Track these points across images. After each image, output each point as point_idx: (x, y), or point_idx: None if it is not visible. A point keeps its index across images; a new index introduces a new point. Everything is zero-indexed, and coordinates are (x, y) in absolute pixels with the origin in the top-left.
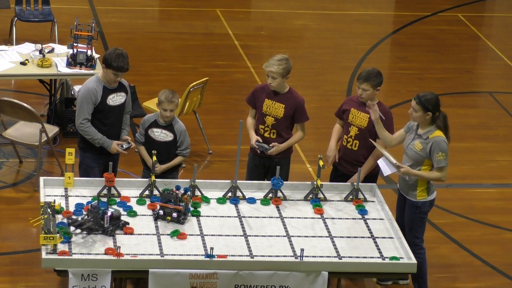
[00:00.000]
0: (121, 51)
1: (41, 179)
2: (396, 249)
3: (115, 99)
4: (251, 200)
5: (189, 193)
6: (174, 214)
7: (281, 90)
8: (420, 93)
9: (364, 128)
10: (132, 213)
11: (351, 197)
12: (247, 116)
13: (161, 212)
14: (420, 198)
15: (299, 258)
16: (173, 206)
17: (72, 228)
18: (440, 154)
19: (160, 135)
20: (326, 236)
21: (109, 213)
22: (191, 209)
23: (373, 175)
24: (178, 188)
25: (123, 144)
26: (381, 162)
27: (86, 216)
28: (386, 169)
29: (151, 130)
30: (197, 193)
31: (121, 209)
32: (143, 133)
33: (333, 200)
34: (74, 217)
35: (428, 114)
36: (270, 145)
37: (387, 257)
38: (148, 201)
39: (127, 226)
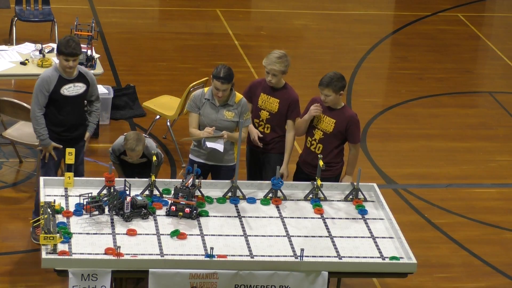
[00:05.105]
0: (71, 37)
1: (41, 179)
2: (396, 249)
3: (72, 90)
4: (251, 200)
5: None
6: (187, 210)
7: (277, 85)
8: (221, 74)
9: (329, 133)
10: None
11: (351, 197)
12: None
13: (173, 208)
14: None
15: (299, 258)
16: (185, 201)
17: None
18: (248, 113)
19: (135, 161)
20: (326, 236)
21: (128, 199)
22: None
23: (336, 176)
24: (198, 171)
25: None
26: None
27: (104, 198)
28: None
29: (124, 156)
30: (197, 193)
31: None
32: (116, 158)
33: (333, 200)
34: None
35: (232, 83)
36: (280, 175)
37: (387, 257)
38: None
39: (149, 216)
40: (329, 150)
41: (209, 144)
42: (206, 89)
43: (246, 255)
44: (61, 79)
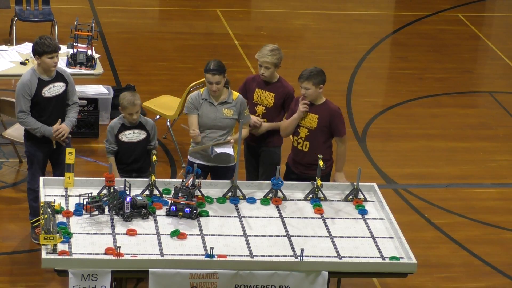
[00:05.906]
0: (43, 36)
1: (41, 179)
2: (396, 249)
3: (52, 90)
4: (251, 200)
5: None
6: (187, 210)
7: (271, 80)
8: (211, 66)
9: (314, 128)
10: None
11: (351, 197)
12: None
13: (173, 208)
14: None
15: (299, 258)
16: (185, 201)
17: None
18: (247, 110)
19: (133, 136)
20: (326, 236)
21: (128, 199)
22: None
23: (326, 175)
24: (198, 171)
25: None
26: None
27: (104, 198)
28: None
29: (122, 134)
30: (197, 193)
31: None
32: (113, 140)
33: (333, 200)
34: (92, 194)
35: (225, 76)
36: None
37: (387, 257)
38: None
39: (149, 216)
40: (316, 146)
41: (218, 150)
42: (202, 90)
43: (246, 255)
44: (41, 81)
